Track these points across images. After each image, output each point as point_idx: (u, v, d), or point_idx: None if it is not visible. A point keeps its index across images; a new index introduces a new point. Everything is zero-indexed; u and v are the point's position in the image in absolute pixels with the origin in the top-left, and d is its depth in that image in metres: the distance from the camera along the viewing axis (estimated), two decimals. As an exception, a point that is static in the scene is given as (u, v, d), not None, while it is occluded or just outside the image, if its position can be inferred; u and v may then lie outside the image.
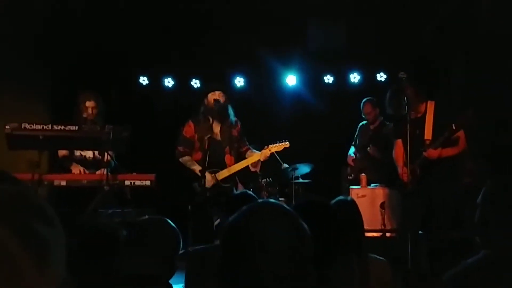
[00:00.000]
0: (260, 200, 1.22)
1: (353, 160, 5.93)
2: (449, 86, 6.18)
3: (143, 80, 7.47)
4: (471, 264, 1.74)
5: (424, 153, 4.20)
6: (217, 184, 4.64)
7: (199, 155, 4.67)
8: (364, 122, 5.95)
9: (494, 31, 5.38)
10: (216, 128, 4.72)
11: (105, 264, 1.81)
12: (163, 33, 6.67)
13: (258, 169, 5.05)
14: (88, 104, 4.68)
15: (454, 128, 3.98)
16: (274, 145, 4.72)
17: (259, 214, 1.13)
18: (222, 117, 4.68)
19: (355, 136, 6.04)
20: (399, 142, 4.52)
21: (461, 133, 4.15)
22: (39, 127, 3.80)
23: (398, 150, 4.52)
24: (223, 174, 4.66)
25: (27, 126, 3.76)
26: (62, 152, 4.60)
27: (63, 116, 5.88)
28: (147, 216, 2.09)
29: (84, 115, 4.64)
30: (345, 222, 1.82)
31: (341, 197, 2.41)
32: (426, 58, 6.47)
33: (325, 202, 1.84)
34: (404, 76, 4.15)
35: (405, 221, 4.42)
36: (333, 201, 2.33)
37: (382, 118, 5.82)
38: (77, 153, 4.65)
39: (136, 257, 1.81)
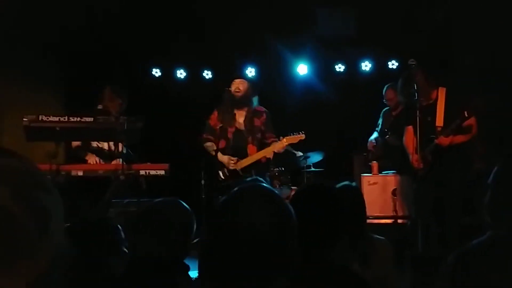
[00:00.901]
0: (247, 183, 1.28)
1: (373, 146, 5.91)
2: (460, 72, 6.15)
3: (156, 72, 7.55)
4: (477, 244, 1.76)
5: (435, 140, 4.21)
6: (237, 172, 4.62)
7: (223, 143, 4.65)
8: (387, 108, 5.93)
9: (505, 16, 5.35)
10: (240, 117, 4.68)
11: (103, 261, 1.88)
12: (175, 25, 6.72)
13: (271, 156, 4.89)
14: (116, 101, 4.74)
15: (466, 115, 3.99)
16: (290, 137, 4.62)
17: (243, 196, 1.18)
18: (242, 105, 4.62)
19: (378, 122, 6.03)
20: (409, 129, 4.54)
21: (472, 120, 4.15)
22: (55, 119, 3.90)
23: (409, 137, 4.54)
24: (243, 162, 4.61)
25: (44, 118, 3.87)
26: (75, 143, 4.70)
27: (76, 107, 6.01)
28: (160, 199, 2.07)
29: (111, 110, 4.67)
30: (347, 205, 1.87)
31: (346, 182, 2.47)
32: (437, 44, 6.44)
33: (328, 185, 1.89)
34: (414, 63, 4.16)
35: (417, 207, 4.45)
36: (338, 185, 2.39)
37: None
38: (94, 144, 4.75)
39: (150, 239, 1.84)
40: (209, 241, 1.18)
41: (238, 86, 4.58)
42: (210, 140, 4.72)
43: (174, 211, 1.94)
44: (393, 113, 5.82)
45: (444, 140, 4.18)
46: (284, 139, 4.60)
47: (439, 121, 4.28)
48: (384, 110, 5.95)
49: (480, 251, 1.67)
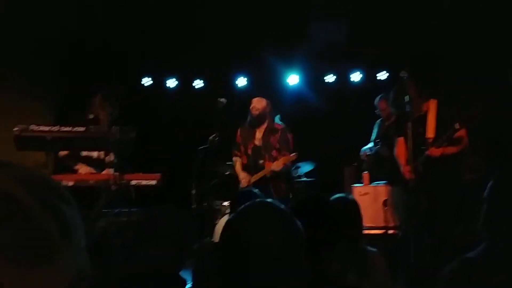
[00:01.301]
0: (256, 200, 1.30)
1: (367, 155, 5.94)
2: (451, 84, 6.22)
3: (147, 81, 7.53)
4: (472, 258, 1.76)
5: (426, 151, 4.25)
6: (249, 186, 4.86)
7: (245, 159, 5.02)
8: (381, 118, 5.98)
9: (496, 28, 5.43)
10: (259, 134, 4.93)
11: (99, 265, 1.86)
12: (166, 34, 6.72)
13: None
14: (107, 110, 4.66)
15: (457, 127, 4.02)
16: (284, 157, 4.88)
17: (253, 213, 1.20)
18: (260, 123, 4.88)
19: (373, 132, 6.07)
20: (401, 140, 4.57)
21: (463, 132, 4.19)
22: (46, 128, 3.85)
23: (400, 148, 4.57)
24: (255, 177, 4.92)
25: (35, 127, 3.82)
26: (63, 152, 4.64)
27: (68, 116, 5.95)
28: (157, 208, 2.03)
29: (101, 119, 4.59)
30: (343, 219, 1.87)
31: (341, 195, 2.47)
32: (428, 56, 6.51)
33: (322, 198, 1.90)
34: (405, 75, 4.20)
35: (408, 218, 4.47)
36: (333, 197, 2.39)
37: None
38: (83, 153, 4.70)
39: (147, 250, 1.81)
40: (222, 256, 1.18)
41: (255, 104, 4.86)
42: (237, 155, 5.08)
43: (170, 221, 1.90)
44: (386, 124, 5.86)
45: (435, 151, 4.21)
46: (280, 160, 4.86)
47: (430, 132, 4.32)
48: (378, 120, 5.99)
49: (477, 264, 1.68)
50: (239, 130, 5.08)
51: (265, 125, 4.90)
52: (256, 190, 2.66)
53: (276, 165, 4.78)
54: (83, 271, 0.70)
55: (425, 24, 6.31)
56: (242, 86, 7.54)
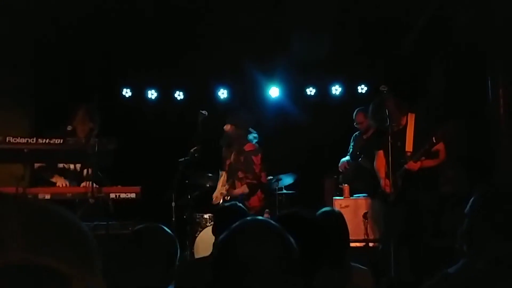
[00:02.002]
0: (248, 218, 1.28)
1: (345, 167, 5.97)
2: (428, 98, 6.33)
3: (126, 92, 7.47)
4: (452, 274, 1.76)
5: (405, 165, 4.29)
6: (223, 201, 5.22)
7: (224, 174, 5.32)
8: (358, 132, 6.03)
9: (470, 43, 5.55)
10: (233, 153, 5.27)
11: None
12: (146, 45, 6.69)
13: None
14: (88, 125, 4.57)
15: (434, 141, 4.08)
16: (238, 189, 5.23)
17: (246, 233, 1.19)
18: (231, 144, 5.26)
19: (350, 146, 6.11)
20: (380, 153, 4.62)
21: (440, 145, 4.25)
22: (23, 140, 3.77)
23: (380, 161, 4.61)
24: (219, 197, 5.29)
25: (12, 139, 3.73)
26: (38, 164, 4.54)
27: (47, 127, 5.84)
28: (143, 225, 1.93)
29: (79, 134, 4.50)
30: (330, 234, 1.86)
31: (327, 208, 2.46)
32: (405, 70, 6.62)
33: (310, 215, 1.88)
34: (385, 89, 4.25)
35: (387, 231, 4.50)
36: (319, 212, 2.38)
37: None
38: (60, 164, 4.62)
39: (132, 268, 1.75)
40: (214, 277, 1.16)
41: (224, 128, 5.21)
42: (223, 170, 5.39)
43: (158, 239, 1.84)
44: (364, 137, 5.91)
45: (413, 165, 4.26)
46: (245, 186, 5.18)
47: (409, 146, 4.37)
48: (355, 134, 6.04)
49: (458, 280, 1.68)
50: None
51: (237, 146, 5.24)
52: (239, 204, 2.64)
53: (239, 191, 5.21)
54: None
55: (404, 37, 6.42)
56: (223, 98, 7.53)
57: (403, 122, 4.47)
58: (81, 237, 0.68)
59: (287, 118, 7.28)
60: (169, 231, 1.90)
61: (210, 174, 5.67)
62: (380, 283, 3.95)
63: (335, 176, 6.15)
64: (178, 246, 1.90)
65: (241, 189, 5.18)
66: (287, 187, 6.46)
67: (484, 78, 5.38)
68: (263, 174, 5.25)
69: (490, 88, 5.27)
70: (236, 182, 5.26)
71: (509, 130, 5.04)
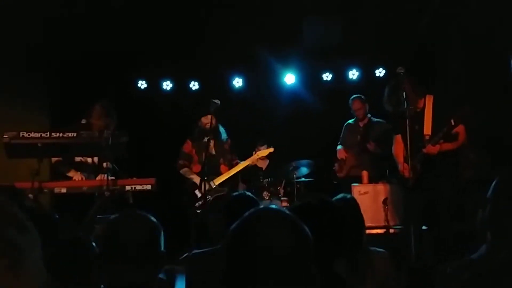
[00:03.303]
0: (261, 206, 1.24)
1: (345, 155, 5.88)
2: (447, 80, 6.15)
3: (142, 84, 7.46)
4: (475, 260, 1.69)
5: (423, 149, 4.17)
6: (215, 188, 5.42)
7: (198, 167, 5.40)
8: (351, 120, 5.95)
9: (489, 24, 5.36)
10: (211, 144, 5.38)
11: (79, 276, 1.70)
12: (161, 36, 6.65)
13: (264, 166, 6.06)
14: (105, 120, 4.57)
15: (453, 123, 3.95)
16: (261, 150, 5.65)
17: (260, 221, 1.16)
18: (214, 135, 5.44)
19: (341, 135, 6.02)
20: (398, 138, 4.50)
21: (460, 128, 4.12)
22: (37, 135, 3.79)
23: (398, 146, 4.49)
24: (219, 179, 5.46)
25: (25, 134, 3.76)
26: (55, 158, 4.56)
27: (62, 121, 5.88)
28: (117, 215, 1.72)
29: (96, 129, 4.43)
30: (347, 220, 1.80)
31: (341, 195, 2.40)
32: (423, 52, 6.45)
33: (327, 201, 1.82)
34: (402, 71, 4.12)
35: (408, 216, 4.40)
36: (334, 198, 2.32)
37: (370, 115, 5.83)
38: (78, 158, 4.63)
39: (113, 265, 1.59)
40: (227, 269, 1.12)
41: (205, 121, 5.34)
42: (185, 166, 5.56)
43: (134, 229, 1.64)
44: (361, 124, 5.83)
45: (432, 149, 4.13)
46: (256, 153, 5.58)
47: (427, 129, 4.24)
48: (347, 123, 5.96)
49: (481, 267, 1.60)
50: (189, 142, 5.57)
51: (216, 136, 5.49)
52: (249, 193, 2.58)
53: (252, 159, 5.54)
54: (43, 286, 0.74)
55: (420, 20, 6.25)
56: (238, 87, 7.46)
57: (421, 104, 4.34)
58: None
59: (303, 104, 7.18)
60: (151, 218, 1.70)
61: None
62: (402, 267, 3.88)
63: (334, 167, 6.04)
64: (162, 235, 1.70)
65: (251, 159, 5.53)
66: (305, 175, 6.40)
67: (507, 57, 5.19)
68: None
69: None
70: (222, 167, 5.50)
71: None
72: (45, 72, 6.61)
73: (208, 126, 5.26)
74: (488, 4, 5.20)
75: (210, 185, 5.36)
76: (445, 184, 4.21)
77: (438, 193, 4.22)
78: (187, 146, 5.58)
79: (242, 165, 5.50)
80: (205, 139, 5.21)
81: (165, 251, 1.69)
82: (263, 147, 5.80)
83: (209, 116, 5.20)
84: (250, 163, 5.55)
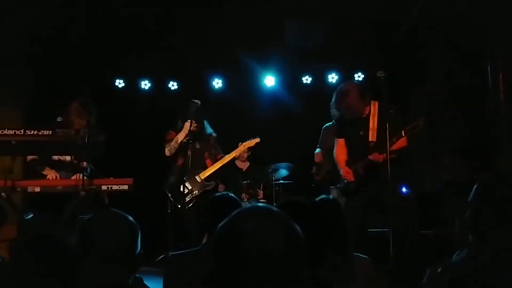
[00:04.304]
0: (248, 205, 1.20)
1: (320, 159, 5.89)
2: (424, 85, 6.23)
3: (119, 83, 7.35)
4: (457, 263, 1.69)
5: (369, 156, 4.15)
6: (201, 183, 5.33)
7: (181, 160, 5.30)
8: (329, 124, 5.96)
9: (467, 32, 5.45)
10: (195, 144, 5.38)
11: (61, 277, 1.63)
12: (139, 35, 6.57)
13: (245, 168, 6.17)
14: (85, 118, 4.41)
15: (403, 134, 3.95)
16: (246, 142, 5.52)
17: (249, 218, 1.11)
18: (199, 136, 5.39)
19: (320, 138, 6.03)
20: (341, 141, 4.48)
21: (404, 139, 4.07)
22: (11, 132, 3.68)
23: (340, 150, 4.46)
24: (205, 173, 5.35)
25: (-1, 131, 3.64)
26: (30, 156, 4.43)
27: (35, 119, 5.74)
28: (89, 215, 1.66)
29: (77, 127, 4.22)
30: (331, 221, 1.79)
31: (323, 196, 2.38)
32: (402, 58, 6.52)
33: (311, 201, 1.80)
34: (383, 75, 4.13)
35: (349, 220, 4.31)
36: (316, 199, 2.30)
37: None
38: (56, 156, 4.51)
39: (89, 265, 1.55)
40: (215, 267, 1.08)
41: (193, 125, 5.26)
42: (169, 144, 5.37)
43: (113, 228, 1.59)
44: None
45: (378, 157, 4.10)
46: (243, 144, 5.48)
47: (372, 136, 4.22)
48: (325, 126, 5.97)
49: (464, 270, 1.61)
50: (173, 132, 5.40)
51: (202, 136, 5.42)
52: (231, 194, 2.55)
53: (239, 150, 5.49)
54: None
55: (399, 25, 6.32)
56: (218, 88, 7.42)
57: (366, 111, 4.33)
58: None
59: (283, 107, 7.19)
60: (129, 218, 1.65)
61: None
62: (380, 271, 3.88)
63: (312, 170, 6.04)
64: (139, 236, 1.65)
65: (238, 150, 5.48)
66: (284, 178, 6.39)
67: (484, 64, 5.29)
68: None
69: (489, 74, 5.18)
70: (207, 161, 5.42)
71: (510, 116, 4.95)
72: (22, 71, 6.46)
73: (195, 129, 5.28)
74: (466, 12, 5.29)
75: (195, 180, 5.28)
76: (386, 192, 4.00)
77: (377, 201, 4.17)
78: (172, 135, 5.42)
79: (228, 157, 5.40)
80: (187, 140, 5.20)
81: (142, 252, 1.64)
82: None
83: (193, 122, 5.22)
84: (236, 155, 5.51)
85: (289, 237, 1.09)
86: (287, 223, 1.11)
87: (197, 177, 5.31)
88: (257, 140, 5.53)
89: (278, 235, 1.07)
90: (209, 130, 5.51)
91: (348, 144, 4.33)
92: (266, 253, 1.05)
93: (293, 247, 1.09)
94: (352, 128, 4.26)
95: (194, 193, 5.26)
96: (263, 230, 1.07)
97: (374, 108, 4.29)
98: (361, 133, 4.26)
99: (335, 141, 4.56)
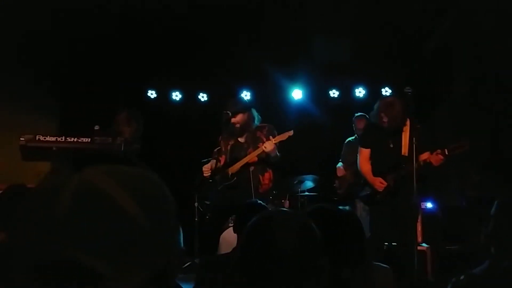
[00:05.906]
0: (274, 208, 1.34)
1: (343, 173, 5.93)
2: (451, 101, 6.23)
3: (151, 94, 7.58)
4: (477, 275, 1.75)
5: (404, 168, 4.18)
6: (227, 176, 4.88)
7: (223, 158, 4.95)
8: (351, 138, 6.00)
9: (496, 46, 5.46)
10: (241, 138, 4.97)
11: None
12: (171, 47, 6.77)
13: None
14: (133, 126, 4.65)
15: (446, 153, 3.98)
16: (278, 136, 4.75)
17: (273, 219, 1.26)
18: (243, 133, 4.91)
19: (342, 152, 6.07)
20: (365, 152, 4.50)
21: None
22: (52, 139, 3.89)
23: (365, 161, 4.48)
24: (234, 168, 4.85)
25: (41, 138, 3.86)
26: None
27: (70, 128, 5.96)
28: None
29: (126, 135, 4.51)
30: (353, 230, 1.87)
31: (345, 208, 2.46)
32: (428, 73, 6.54)
33: (335, 208, 1.90)
34: (410, 91, 4.20)
35: (372, 231, 4.38)
36: (337, 209, 2.38)
37: None
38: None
39: None
40: (241, 262, 1.21)
41: (236, 119, 4.82)
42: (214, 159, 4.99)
43: None
44: None
45: (437, 158, 4.10)
46: (272, 138, 4.69)
47: (405, 149, 4.26)
48: (347, 140, 6.01)
49: (484, 281, 1.68)
50: (220, 141, 5.05)
51: (247, 133, 4.93)
52: (260, 202, 2.66)
53: (268, 145, 4.60)
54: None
55: (426, 40, 6.36)
56: (246, 100, 7.56)
57: (407, 125, 4.38)
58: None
59: (310, 120, 7.27)
60: None
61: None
62: (402, 283, 3.92)
63: (334, 184, 6.10)
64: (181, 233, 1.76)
65: (267, 144, 4.63)
66: (309, 190, 6.46)
67: (511, 80, 5.29)
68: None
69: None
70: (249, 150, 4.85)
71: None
72: (56, 81, 6.72)
73: (237, 125, 4.86)
74: (493, 29, 5.31)
75: (226, 175, 4.90)
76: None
77: (405, 212, 4.20)
78: (220, 143, 5.06)
79: (256, 152, 4.76)
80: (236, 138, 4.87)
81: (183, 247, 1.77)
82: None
83: (240, 115, 4.84)
84: (267, 149, 4.65)
85: (308, 235, 1.22)
86: (307, 224, 1.25)
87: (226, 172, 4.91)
88: (290, 133, 4.73)
89: (298, 232, 1.21)
90: (256, 121, 4.98)
91: (374, 155, 4.36)
92: (286, 247, 1.18)
93: (312, 243, 1.21)
94: (380, 139, 4.29)
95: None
96: (285, 227, 1.21)
97: (407, 123, 4.37)
98: (391, 145, 4.30)
99: (359, 150, 4.60)
